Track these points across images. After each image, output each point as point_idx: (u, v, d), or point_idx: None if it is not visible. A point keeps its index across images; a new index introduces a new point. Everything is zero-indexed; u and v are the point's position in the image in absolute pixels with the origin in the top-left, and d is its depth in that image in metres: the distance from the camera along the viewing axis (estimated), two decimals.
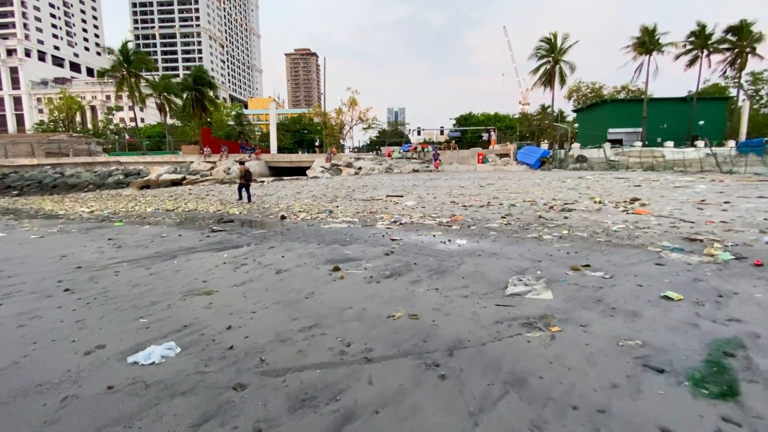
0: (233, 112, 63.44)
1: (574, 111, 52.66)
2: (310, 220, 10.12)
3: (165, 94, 40.05)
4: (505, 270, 4.73)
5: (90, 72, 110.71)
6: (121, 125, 77.31)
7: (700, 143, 33.85)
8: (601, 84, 56.12)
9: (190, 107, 40.45)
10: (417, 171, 28.67)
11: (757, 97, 51.06)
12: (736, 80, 51.79)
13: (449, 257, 5.49)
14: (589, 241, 6.16)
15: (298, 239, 7.41)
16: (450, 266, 4.97)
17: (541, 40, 39.00)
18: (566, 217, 7.92)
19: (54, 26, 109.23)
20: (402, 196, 13.14)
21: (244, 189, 14.45)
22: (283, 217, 10.55)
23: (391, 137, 65.52)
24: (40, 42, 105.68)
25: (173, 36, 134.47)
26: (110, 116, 65.77)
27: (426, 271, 4.79)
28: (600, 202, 9.33)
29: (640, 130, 39.46)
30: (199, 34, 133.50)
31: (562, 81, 39.43)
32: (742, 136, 40.00)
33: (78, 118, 66.00)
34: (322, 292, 4.14)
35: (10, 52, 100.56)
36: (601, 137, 40.02)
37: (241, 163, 15.71)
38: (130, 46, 40.44)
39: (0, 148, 35.20)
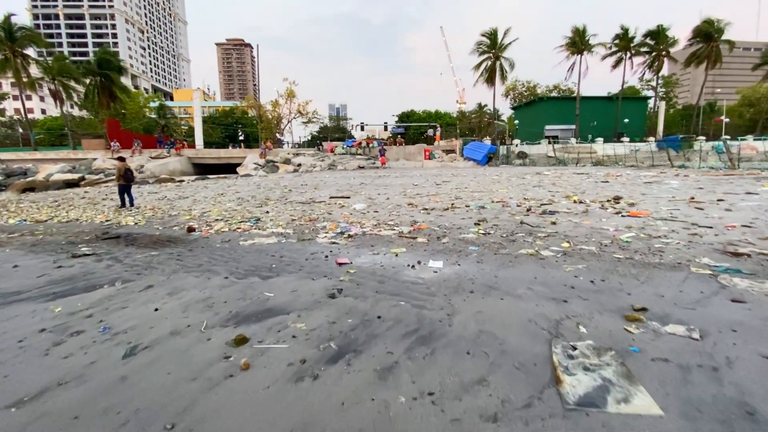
0: (153, 103, 56.27)
1: (512, 108, 54.11)
2: (228, 232, 7.69)
3: (61, 78, 33.60)
4: (524, 324, 2.92)
5: None
6: (16, 117, 65.90)
7: (626, 140, 35.88)
8: (535, 83, 58.35)
9: (95, 95, 34.37)
10: (363, 167, 26.71)
11: (667, 99, 56.20)
12: (650, 84, 56.72)
13: (429, 297, 3.58)
14: (605, 258, 4.61)
15: (200, 267, 5.05)
16: (436, 321, 3.05)
17: (483, 35, 38.92)
18: (554, 223, 6.42)
19: None
20: (349, 198, 11.07)
21: (125, 192, 11.74)
22: (190, 230, 7.97)
23: (334, 133, 62.85)
24: None
25: (81, 17, 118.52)
26: None
27: (400, 337, 2.81)
28: (581, 202, 8.06)
29: (573, 126, 41.11)
30: (113, 17, 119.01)
31: (503, 77, 39.76)
32: (660, 134, 43.42)
33: None
34: (200, 419, 1.98)
35: None
36: (539, 134, 41.15)
37: (120, 159, 12.70)
38: (16, 20, 33.41)
39: None
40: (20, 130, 48.16)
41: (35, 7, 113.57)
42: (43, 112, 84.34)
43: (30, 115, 75.94)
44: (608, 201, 8.00)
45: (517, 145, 32.20)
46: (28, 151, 29.37)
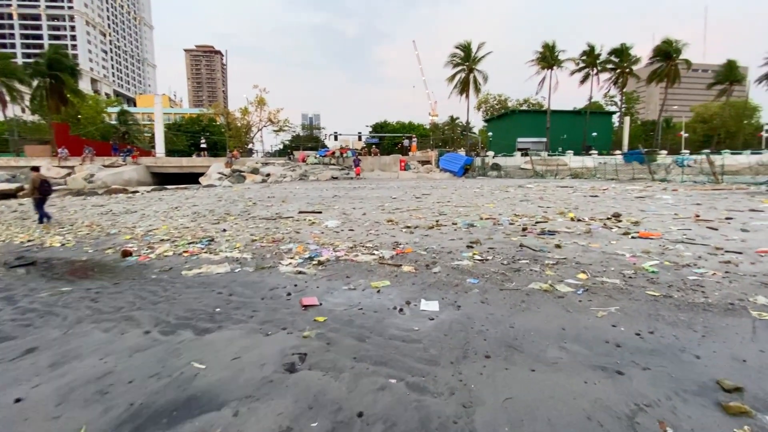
0: (113, 109, 52.91)
1: (485, 121, 54.75)
2: (171, 257, 6.38)
3: (3, 78, 30.52)
4: (583, 425, 1.91)
5: None
6: None
7: (594, 152, 36.70)
8: (506, 96, 59.51)
9: (43, 97, 31.43)
10: (336, 178, 25.57)
11: (630, 114, 58.66)
12: (613, 99, 59.15)
13: (429, 368, 2.53)
14: (636, 296, 3.74)
15: (118, 313, 3.80)
16: (449, 421, 2.00)
17: (457, 47, 39.07)
18: (558, 246, 5.56)
19: None
20: (320, 213, 9.92)
21: (40, 206, 10.19)
22: (126, 254, 6.58)
23: (306, 142, 61.39)
24: None
25: (38, 17, 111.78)
26: None
27: None
28: (579, 220, 7.30)
29: (545, 139, 41.79)
30: (72, 18, 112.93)
31: (477, 89, 39.96)
32: (625, 147, 44.94)
33: None
34: None
35: None
36: (511, 146, 41.54)
37: (34, 169, 11.07)
38: None
39: None
40: None
41: None
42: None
43: None
44: (608, 219, 7.30)
45: (491, 157, 32.10)
46: None
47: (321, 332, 3.16)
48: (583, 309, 3.48)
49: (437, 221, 7.76)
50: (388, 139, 59.55)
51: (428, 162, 31.59)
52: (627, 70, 42.27)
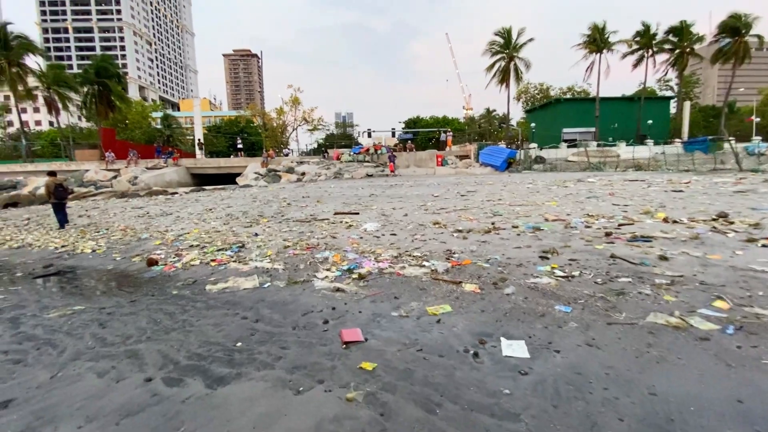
0: (157, 114, 55.26)
1: (526, 111, 51.97)
2: (198, 266, 5.78)
3: (56, 87, 32.34)
4: None
5: None
6: (17, 129, 65.53)
7: (649, 142, 33.59)
8: (548, 85, 56.24)
9: (92, 104, 33.06)
10: (371, 176, 24.82)
11: (689, 98, 53.67)
12: (667, 83, 54.34)
13: None
14: None
15: (124, 344, 3.14)
16: None
17: (496, 34, 37.00)
18: (664, 258, 4.36)
19: None
20: (357, 214, 9.11)
21: (58, 211, 10.31)
22: (151, 263, 6.06)
23: (340, 140, 61.26)
24: None
25: (90, 30, 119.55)
26: (1, 116, 54.64)
27: None
28: (675, 222, 5.97)
29: (593, 129, 38.86)
30: (121, 29, 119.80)
31: (518, 78, 37.68)
32: (685, 135, 41.00)
33: None
34: None
35: None
36: (556, 137, 38.94)
37: (50, 174, 11.13)
38: (12, 29, 32.35)
39: None
40: (24, 142, 47.41)
41: (44, 21, 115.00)
42: (51, 124, 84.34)
43: (38, 127, 75.92)
44: (714, 220, 5.92)
45: (535, 150, 30.11)
46: (19, 163, 28.05)
47: (370, 391, 2.28)
48: (750, 361, 2.36)
49: (493, 224, 6.68)
50: (422, 135, 58.18)
51: (467, 156, 30.11)
52: (688, 50, 38.31)
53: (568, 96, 53.47)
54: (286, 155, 39.94)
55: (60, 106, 32.78)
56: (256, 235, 7.61)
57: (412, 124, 65.08)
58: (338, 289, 4.26)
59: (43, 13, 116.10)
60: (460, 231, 6.33)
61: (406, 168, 27.72)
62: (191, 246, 7.11)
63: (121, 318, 3.85)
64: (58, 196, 10.26)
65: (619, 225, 5.94)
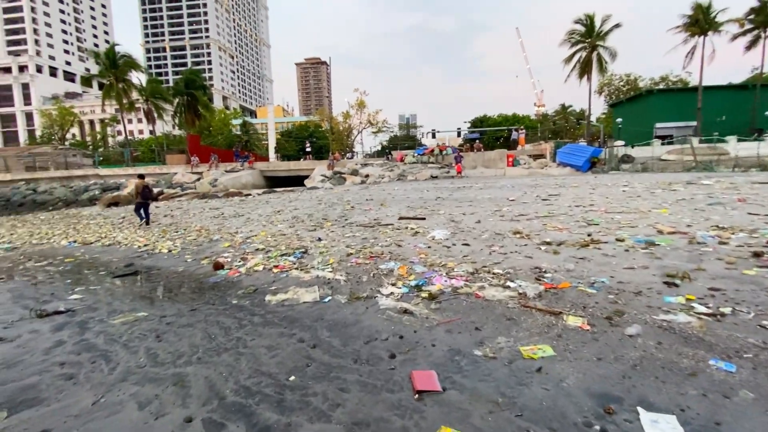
0: (236, 121, 59.79)
1: (610, 105, 47.08)
2: (261, 272, 5.57)
3: (153, 99, 36.33)
4: None
5: (101, 86, 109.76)
6: (130, 138, 75.25)
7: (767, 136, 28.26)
8: (636, 75, 50.40)
9: (182, 113, 36.60)
10: (436, 177, 23.98)
11: None
12: None
13: None
14: None
15: (174, 364, 2.87)
16: None
17: (577, 22, 33.81)
18: None
19: (65, 42, 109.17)
20: (424, 219, 8.46)
21: (142, 209, 11.64)
22: (217, 267, 6.01)
23: (403, 142, 61.03)
24: (52, 58, 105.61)
25: (183, 48, 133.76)
26: (110, 126, 63.08)
27: None
28: None
29: (694, 123, 33.87)
30: (208, 46, 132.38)
31: (602, 69, 34.04)
32: None
33: (76, 131, 63.65)
34: None
35: (22, 69, 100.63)
36: (646, 134, 34.59)
37: (140, 177, 12.75)
38: (119, 50, 37.01)
39: None
40: (129, 149, 53.99)
41: (147, 42, 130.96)
42: (151, 132, 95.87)
43: (140, 135, 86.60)
44: None
45: (622, 147, 26.88)
46: (122, 167, 31.84)
47: None
48: None
49: (590, 235, 5.60)
50: (489, 134, 55.70)
51: (541, 156, 27.87)
52: None
53: (662, 86, 47.38)
54: (351, 158, 40.64)
55: (156, 115, 36.81)
56: (320, 240, 7.33)
57: (478, 123, 62.66)
58: (406, 311, 3.66)
59: (146, 35, 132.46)
60: (548, 243, 5.38)
61: (472, 169, 26.39)
62: (257, 249, 7.03)
63: (177, 330, 3.64)
64: (144, 196, 11.56)
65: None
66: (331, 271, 5.27)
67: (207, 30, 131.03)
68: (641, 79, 50.39)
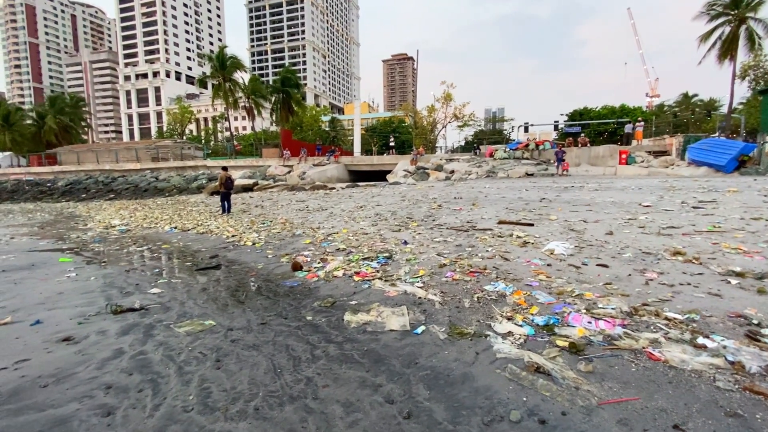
0: (325, 117, 62.32)
1: (759, 93, 38.40)
2: (341, 278, 4.84)
3: (253, 97, 39.20)
4: None
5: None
6: (234, 133, 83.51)
7: None
8: None
9: (278, 109, 38.94)
10: (532, 175, 21.59)
11: None
12: None
13: None
14: None
15: (232, 405, 2.08)
16: None
17: None
18: None
19: (188, 49, 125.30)
20: (532, 225, 7.01)
21: (225, 199, 12.64)
22: (296, 267, 5.44)
23: (490, 136, 57.53)
24: (177, 64, 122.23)
25: (282, 51, 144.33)
26: (220, 122, 70.45)
27: None
28: None
29: None
30: (304, 47, 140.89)
31: (753, 48, 27.46)
32: None
33: (192, 127, 72.22)
34: None
35: (156, 74, 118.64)
36: None
37: (224, 169, 13.99)
38: (227, 52, 40.59)
39: (113, 154, 37.91)
40: (232, 143, 59.48)
41: (252, 46, 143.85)
42: (252, 128, 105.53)
43: (243, 131, 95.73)
44: None
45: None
46: (225, 159, 34.85)
47: None
48: None
49: None
50: (593, 126, 49.62)
51: (664, 152, 23.50)
52: None
53: None
54: (435, 153, 39.30)
55: (255, 112, 39.73)
56: (405, 243, 6.41)
57: (577, 116, 56.22)
58: (538, 369, 2.51)
59: (252, 40, 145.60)
60: (738, 275, 3.70)
61: (576, 166, 23.28)
62: (338, 249, 6.38)
63: (241, 353, 2.99)
64: (227, 187, 12.63)
65: None
66: (421, 286, 4.29)
67: (303, 32, 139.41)
68: None
